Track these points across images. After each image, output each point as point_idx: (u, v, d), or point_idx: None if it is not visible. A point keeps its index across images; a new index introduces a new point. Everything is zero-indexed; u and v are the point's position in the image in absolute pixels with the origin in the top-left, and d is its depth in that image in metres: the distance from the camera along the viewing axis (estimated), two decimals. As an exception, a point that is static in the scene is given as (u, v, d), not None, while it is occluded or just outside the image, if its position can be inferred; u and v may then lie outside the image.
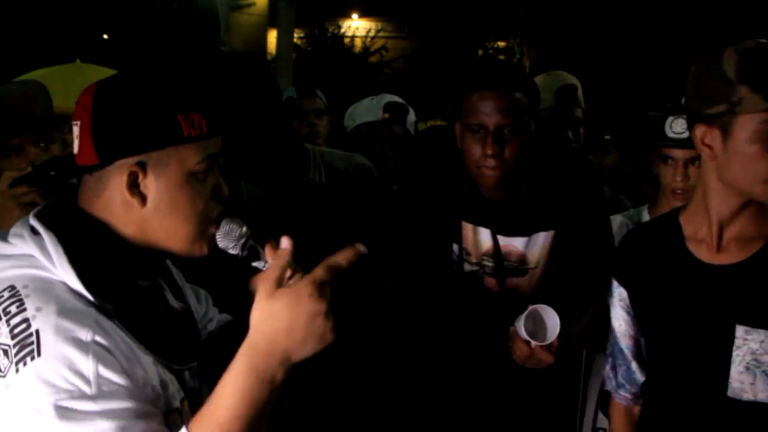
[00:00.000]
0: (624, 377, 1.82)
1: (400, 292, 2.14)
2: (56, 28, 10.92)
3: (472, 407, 2.15)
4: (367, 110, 3.03)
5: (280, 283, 1.14)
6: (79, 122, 1.24)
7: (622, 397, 1.85)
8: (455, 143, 2.08)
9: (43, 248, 1.18)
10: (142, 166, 1.22)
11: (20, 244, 1.20)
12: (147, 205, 1.24)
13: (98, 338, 1.12)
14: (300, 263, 1.25)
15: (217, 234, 1.30)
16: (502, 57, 17.15)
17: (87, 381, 1.09)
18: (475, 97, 1.98)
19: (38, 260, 1.18)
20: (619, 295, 1.79)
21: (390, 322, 2.16)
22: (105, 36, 12.83)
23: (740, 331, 1.55)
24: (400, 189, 2.31)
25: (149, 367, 1.19)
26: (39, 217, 1.22)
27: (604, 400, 2.38)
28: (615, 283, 1.80)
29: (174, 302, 1.37)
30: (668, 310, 1.66)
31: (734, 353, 1.55)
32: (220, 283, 1.59)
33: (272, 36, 17.43)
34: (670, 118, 2.23)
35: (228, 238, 1.30)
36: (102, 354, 1.11)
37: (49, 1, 11.13)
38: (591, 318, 2.15)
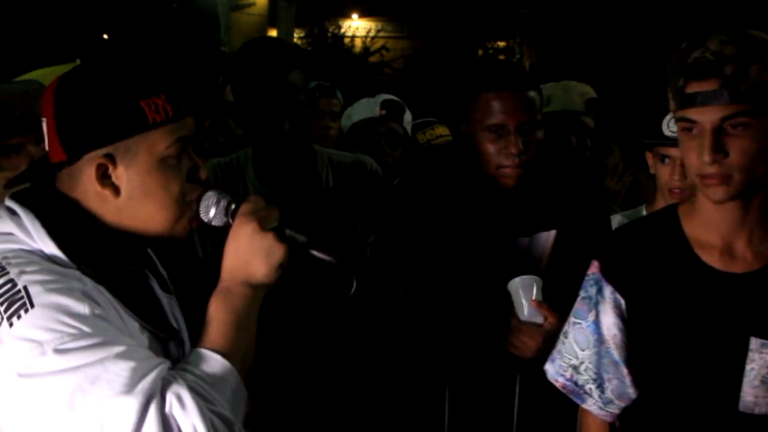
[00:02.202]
0: (615, 392, 1.65)
1: (404, 294, 2.14)
2: (56, 28, 10.92)
3: (473, 406, 2.15)
4: (364, 107, 3.04)
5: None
6: (45, 119, 1.25)
7: (608, 413, 1.68)
8: (457, 147, 2.08)
9: (20, 225, 1.20)
10: (111, 158, 1.23)
11: None
12: (121, 195, 1.24)
13: (86, 290, 1.16)
14: (305, 262, 1.30)
15: (200, 210, 1.31)
16: (502, 57, 17.14)
17: (86, 320, 1.11)
18: (493, 97, 1.97)
19: (17, 236, 1.19)
20: (613, 302, 1.61)
21: (392, 324, 2.16)
22: (105, 36, 12.83)
23: (755, 343, 1.47)
24: (399, 188, 2.31)
25: (136, 332, 1.22)
26: (15, 199, 1.24)
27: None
28: (609, 289, 1.62)
29: (159, 291, 1.38)
30: (674, 319, 1.53)
31: (747, 366, 1.48)
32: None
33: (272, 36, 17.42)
34: (668, 117, 2.23)
35: (211, 210, 1.31)
36: (92, 302, 1.15)
37: (49, 1, 11.13)
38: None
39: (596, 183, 2.23)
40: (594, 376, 1.66)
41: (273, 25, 16.83)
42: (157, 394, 1.09)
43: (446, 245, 2.11)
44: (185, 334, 1.37)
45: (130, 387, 1.07)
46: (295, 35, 15.00)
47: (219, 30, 14.12)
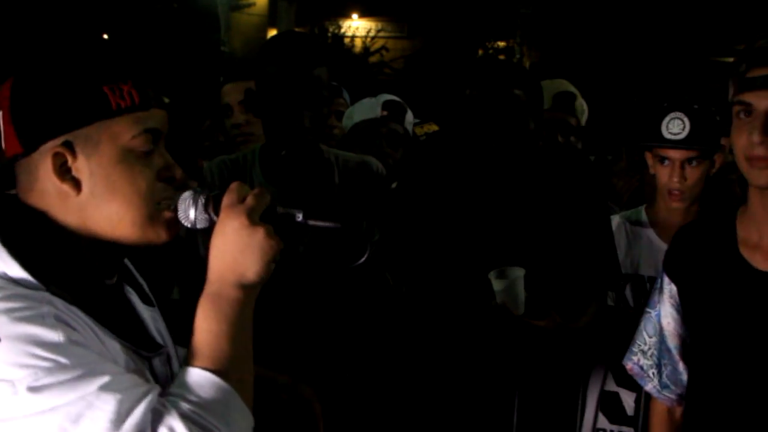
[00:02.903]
0: (670, 377, 1.76)
1: (412, 297, 2.14)
2: (56, 28, 10.92)
3: (473, 407, 2.15)
4: (365, 108, 3.04)
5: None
6: (0, 112, 1.14)
7: (665, 398, 1.80)
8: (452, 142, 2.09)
9: None
10: (70, 147, 1.11)
11: None
12: (82, 191, 1.12)
13: (58, 314, 1.04)
14: (311, 266, 1.22)
15: (179, 214, 1.19)
16: (502, 57, 17.13)
17: (61, 350, 1.00)
18: (475, 92, 1.99)
19: None
20: (669, 292, 1.72)
21: (397, 325, 2.16)
22: (105, 36, 12.83)
23: None
24: (399, 186, 2.32)
25: (117, 353, 1.10)
26: None
27: (605, 401, 2.38)
28: (666, 279, 1.73)
29: (140, 305, 1.27)
30: (717, 314, 1.59)
31: None
32: None
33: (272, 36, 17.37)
34: (667, 118, 2.23)
35: (190, 212, 1.18)
36: (67, 327, 1.03)
37: (49, 1, 11.13)
38: (591, 318, 2.15)
39: (595, 182, 2.23)
40: (656, 361, 1.77)
41: (273, 25, 16.82)
42: (148, 429, 1.00)
43: (445, 243, 2.11)
44: (171, 349, 1.28)
45: (117, 424, 0.98)
46: (295, 35, 14.96)
47: (219, 30, 14.14)
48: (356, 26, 19.04)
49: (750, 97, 1.46)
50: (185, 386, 1.07)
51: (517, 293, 1.97)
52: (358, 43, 17.27)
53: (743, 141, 1.47)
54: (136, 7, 12.37)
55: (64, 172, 1.12)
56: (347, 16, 19.11)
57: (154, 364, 1.20)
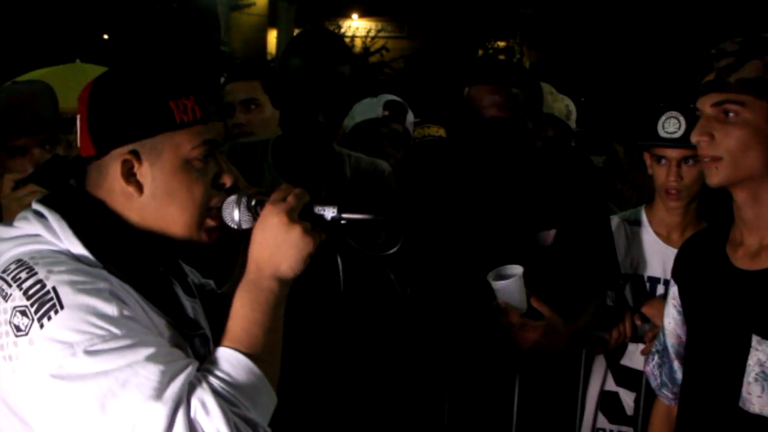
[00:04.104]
0: (667, 375, 1.83)
1: (411, 295, 2.14)
2: (56, 28, 10.93)
3: (472, 407, 2.16)
4: (367, 108, 3.03)
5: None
6: (79, 116, 1.28)
7: (664, 395, 1.86)
8: (451, 146, 2.10)
9: (47, 226, 1.21)
10: (136, 155, 1.25)
11: (25, 226, 1.23)
12: (144, 193, 1.26)
13: (113, 290, 1.17)
14: (317, 263, 1.27)
15: (224, 218, 1.30)
16: (502, 57, 17.16)
17: (114, 322, 1.12)
18: (473, 90, 2.00)
19: (44, 237, 1.21)
20: (673, 294, 1.79)
21: (401, 326, 2.16)
22: (105, 36, 12.85)
23: (754, 340, 1.51)
24: (401, 189, 2.32)
25: (163, 329, 1.23)
26: (42, 202, 1.26)
27: (605, 401, 2.39)
28: (672, 281, 1.80)
29: (182, 295, 1.39)
30: (701, 309, 1.66)
31: (748, 362, 1.51)
32: None
33: (272, 36, 17.45)
34: (663, 118, 2.23)
35: (235, 214, 1.29)
36: (120, 302, 1.16)
37: (49, 1, 11.14)
38: (591, 318, 2.16)
39: (595, 182, 2.23)
40: (658, 361, 1.87)
41: (273, 25, 16.86)
42: (184, 399, 1.10)
43: (447, 242, 2.12)
44: (209, 333, 1.38)
45: (159, 392, 1.09)
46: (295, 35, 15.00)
47: (219, 30, 14.15)
48: (356, 26, 19.08)
49: (698, 103, 1.57)
50: (218, 363, 1.17)
51: (518, 292, 1.98)
52: (358, 43, 17.29)
53: (694, 141, 1.57)
54: (136, 7, 12.38)
55: (129, 175, 1.26)
56: (347, 16, 19.14)
57: (194, 343, 1.32)
